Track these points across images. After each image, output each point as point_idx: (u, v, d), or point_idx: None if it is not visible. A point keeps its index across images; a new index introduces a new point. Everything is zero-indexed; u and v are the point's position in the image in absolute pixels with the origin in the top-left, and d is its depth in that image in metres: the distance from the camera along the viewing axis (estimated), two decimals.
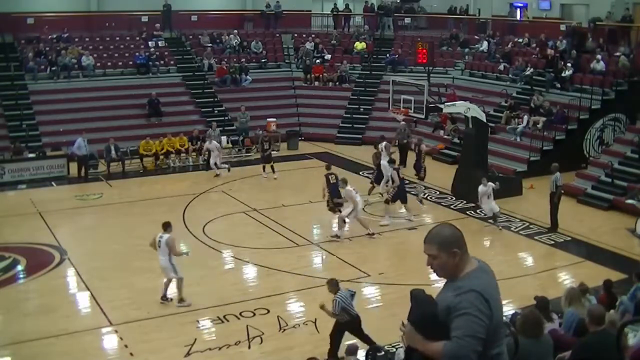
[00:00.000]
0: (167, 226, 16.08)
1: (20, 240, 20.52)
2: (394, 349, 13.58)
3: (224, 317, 15.53)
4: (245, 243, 20.35)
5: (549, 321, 9.83)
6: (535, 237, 20.94)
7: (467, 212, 23.22)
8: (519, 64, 31.74)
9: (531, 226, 21.73)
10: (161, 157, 28.71)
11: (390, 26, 39.30)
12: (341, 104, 35.13)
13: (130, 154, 28.47)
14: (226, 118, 32.81)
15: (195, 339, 14.49)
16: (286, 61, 37.77)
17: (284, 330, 15.07)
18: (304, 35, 38.98)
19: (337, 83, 35.98)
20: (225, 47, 36.92)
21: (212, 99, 33.93)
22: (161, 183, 27.10)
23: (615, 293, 12.53)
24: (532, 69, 31.35)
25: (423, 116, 26.15)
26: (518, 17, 37.86)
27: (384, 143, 24.56)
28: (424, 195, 24.24)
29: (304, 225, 22.03)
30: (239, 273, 18.75)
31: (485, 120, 25.34)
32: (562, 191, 21.67)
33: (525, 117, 28.59)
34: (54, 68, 32.45)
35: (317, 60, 36.92)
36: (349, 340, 13.26)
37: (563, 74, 29.73)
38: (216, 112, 33.21)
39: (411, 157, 26.28)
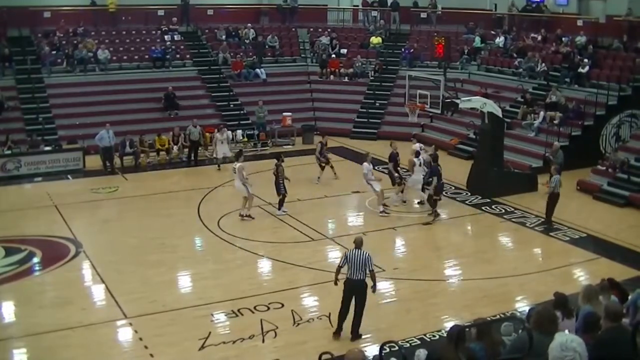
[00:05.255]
0: None
1: (36, 233, 20.62)
2: (408, 344, 13.60)
3: (238, 310, 15.55)
4: (260, 237, 20.40)
5: (569, 317, 9.77)
6: (551, 234, 20.86)
7: (482, 208, 23.16)
8: (536, 59, 31.60)
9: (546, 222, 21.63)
10: (173, 152, 28.77)
11: (397, 19, 39.15)
12: (357, 99, 35.13)
13: (149, 146, 28.60)
14: (242, 112, 32.91)
15: (210, 333, 14.52)
16: (302, 55, 37.76)
17: (298, 324, 15.08)
18: (320, 30, 38.95)
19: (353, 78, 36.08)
20: (242, 41, 36.93)
21: (227, 93, 33.96)
22: (176, 177, 27.18)
23: (626, 290, 12.41)
24: (544, 64, 31.21)
25: (439, 111, 26.11)
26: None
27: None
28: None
29: (319, 219, 22.05)
30: (254, 267, 18.73)
31: (501, 116, 25.28)
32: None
33: (542, 112, 28.48)
34: (70, 61, 32.58)
35: (333, 55, 36.94)
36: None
37: (580, 70, 29.60)
38: (232, 106, 33.28)
39: None
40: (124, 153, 27.97)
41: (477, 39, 35.50)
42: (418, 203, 23.59)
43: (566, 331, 7.60)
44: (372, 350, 13.12)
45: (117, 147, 27.76)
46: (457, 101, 26.05)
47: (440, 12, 40.21)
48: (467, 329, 8.55)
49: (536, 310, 7.94)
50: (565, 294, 10.71)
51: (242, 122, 32.23)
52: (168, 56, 34.40)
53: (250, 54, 36.26)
